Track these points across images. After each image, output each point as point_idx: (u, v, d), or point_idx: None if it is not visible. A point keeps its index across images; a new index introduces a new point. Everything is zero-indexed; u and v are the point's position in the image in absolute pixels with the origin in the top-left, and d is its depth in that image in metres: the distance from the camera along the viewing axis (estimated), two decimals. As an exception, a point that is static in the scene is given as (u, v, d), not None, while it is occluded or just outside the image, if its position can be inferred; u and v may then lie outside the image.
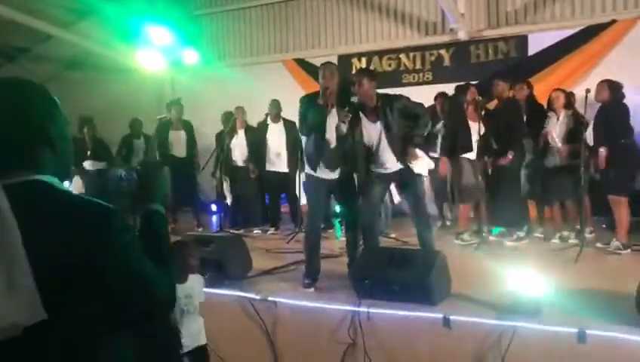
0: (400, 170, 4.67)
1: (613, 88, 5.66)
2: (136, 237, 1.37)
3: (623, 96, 5.72)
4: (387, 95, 4.71)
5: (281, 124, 7.46)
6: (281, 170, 7.44)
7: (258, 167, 7.57)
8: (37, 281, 1.15)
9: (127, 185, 1.84)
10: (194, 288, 3.28)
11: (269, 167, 7.50)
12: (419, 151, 4.79)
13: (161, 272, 1.39)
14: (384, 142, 4.58)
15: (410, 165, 4.67)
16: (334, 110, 4.58)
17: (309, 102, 4.65)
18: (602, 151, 5.54)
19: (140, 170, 1.77)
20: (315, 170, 4.68)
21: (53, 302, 1.17)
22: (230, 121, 7.72)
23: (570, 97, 6.19)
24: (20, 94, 1.33)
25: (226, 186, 7.94)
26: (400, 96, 4.75)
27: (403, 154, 4.61)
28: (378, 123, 4.57)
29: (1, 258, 1.13)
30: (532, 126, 6.27)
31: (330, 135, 4.58)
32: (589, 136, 5.76)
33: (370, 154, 4.67)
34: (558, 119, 6.11)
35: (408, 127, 4.61)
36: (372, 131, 4.61)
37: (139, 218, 1.57)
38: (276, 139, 7.46)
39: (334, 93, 4.56)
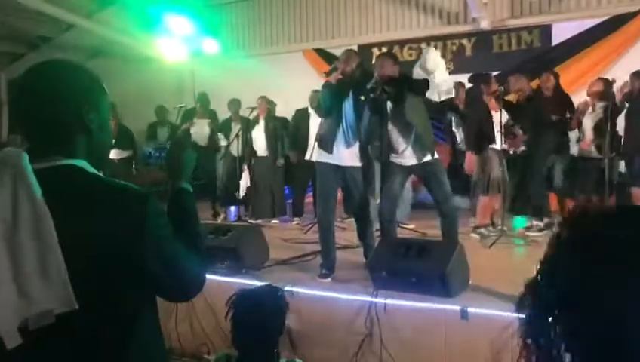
0: (419, 164, 4.55)
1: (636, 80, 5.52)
2: (168, 220, 1.36)
3: None
4: (410, 78, 4.62)
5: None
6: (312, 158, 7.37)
7: (295, 153, 7.58)
8: (69, 265, 1.15)
9: (155, 163, 1.85)
10: None
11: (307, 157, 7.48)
12: None
13: (191, 253, 1.39)
14: (403, 128, 4.46)
15: (434, 155, 4.56)
16: (350, 95, 4.54)
17: (325, 86, 4.61)
18: None
19: (168, 147, 1.77)
20: (330, 152, 4.61)
21: (86, 285, 1.17)
22: (237, 108, 7.86)
23: (608, 87, 5.89)
24: (60, 77, 1.32)
25: (244, 176, 7.94)
26: (426, 82, 4.64)
27: (426, 144, 4.50)
28: (400, 104, 4.42)
29: (35, 245, 1.14)
30: (558, 117, 6.16)
31: (345, 118, 4.55)
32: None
33: (391, 143, 4.58)
34: (592, 110, 5.97)
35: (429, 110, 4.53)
36: (394, 114, 4.50)
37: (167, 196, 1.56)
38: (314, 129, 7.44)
39: (346, 75, 4.51)
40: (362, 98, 4.36)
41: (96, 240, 1.20)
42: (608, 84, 5.87)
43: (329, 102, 4.56)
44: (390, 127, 4.54)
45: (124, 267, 1.22)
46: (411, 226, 6.67)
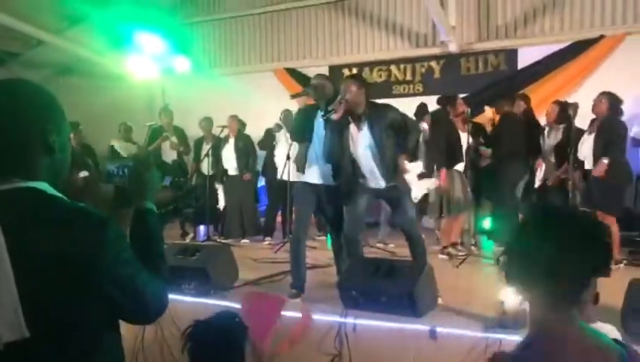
0: (387, 187, 4.54)
1: (613, 102, 5.65)
2: (128, 244, 1.33)
3: (621, 111, 5.71)
4: (377, 104, 4.68)
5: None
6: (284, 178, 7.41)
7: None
8: (26, 289, 1.12)
9: (119, 181, 1.79)
10: None
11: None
12: (410, 166, 4.71)
13: (153, 277, 1.36)
14: (369, 154, 4.48)
15: (399, 180, 4.59)
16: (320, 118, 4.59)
17: (298, 112, 4.68)
18: (604, 161, 5.41)
19: (131, 165, 1.73)
20: (303, 172, 4.66)
21: (42, 309, 1.14)
22: (209, 127, 7.88)
23: (566, 109, 6.03)
24: (23, 98, 1.28)
25: (220, 194, 7.91)
26: (391, 107, 4.70)
27: (392, 170, 4.52)
28: (365, 130, 4.46)
29: None
30: (528, 140, 6.29)
31: (318, 140, 4.60)
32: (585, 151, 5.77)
33: (356, 165, 4.59)
34: (549, 134, 6.12)
35: (398, 142, 4.54)
36: (358, 139, 4.51)
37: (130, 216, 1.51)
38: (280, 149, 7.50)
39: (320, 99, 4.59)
40: (323, 117, 4.40)
41: (54, 263, 1.17)
42: (563, 106, 6.03)
43: (302, 125, 4.61)
44: (355, 148, 4.56)
45: (83, 291, 1.20)
46: (391, 246, 6.66)
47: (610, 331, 2.66)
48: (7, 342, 1.11)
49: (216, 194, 7.92)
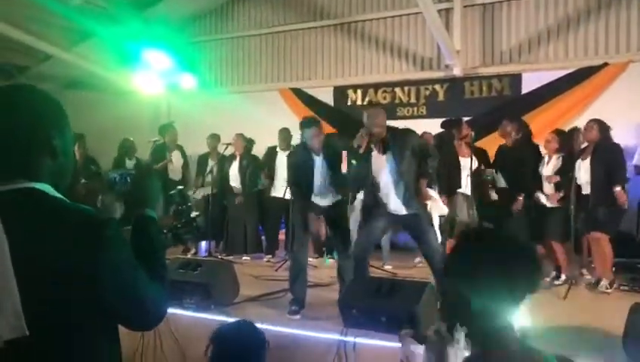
0: (408, 214, 4.53)
1: (603, 129, 5.71)
2: (129, 247, 1.34)
3: (611, 137, 5.78)
4: (398, 129, 4.70)
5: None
6: (285, 197, 7.43)
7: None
8: (25, 288, 1.13)
9: (121, 189, 1.81)
10: None
11: (273, 193, 7.54)
12: (432, 192, 4.70)
13: (153, 283, 1.37)
14: (391, 178, 4.49)
15: (421, 208, 4.58)
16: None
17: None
18: (619, 189, 5.50)
19: (134, 173, 1.75)
20: (310, 199, 4.70)
21: (41, 309, 1.15)
22: (214, 144, 8.02)
23: (564, 138, 6.11)
24: (30, 102, 1.31)
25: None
26: (411, 132, 4.71)
27: (413, 196, 4.50)
28: (388, 155, 4.50)
29: None
30: (531, 167, 6.28)
31: (320, 169, 4.72)
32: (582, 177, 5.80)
33: (377, 190, 4.59)
34: (548, 162, 6.14)
35: (418, 167, 4.56)
36: (381, 164, 4.53)
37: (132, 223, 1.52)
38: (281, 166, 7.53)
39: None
40: (351, 146, 4.42)
41: (53, 263, 1.18)
42: (563, 135, 6.08)
43: (299, 170, 4.74)
44: (378, 173, 4.55)
45: (81, 292, 1.20)
46: (387, 267, 6.67)
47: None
48: (7, 340, 1.12)
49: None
